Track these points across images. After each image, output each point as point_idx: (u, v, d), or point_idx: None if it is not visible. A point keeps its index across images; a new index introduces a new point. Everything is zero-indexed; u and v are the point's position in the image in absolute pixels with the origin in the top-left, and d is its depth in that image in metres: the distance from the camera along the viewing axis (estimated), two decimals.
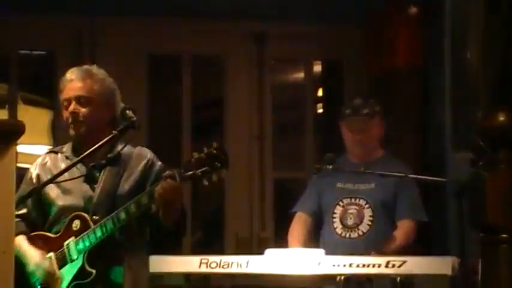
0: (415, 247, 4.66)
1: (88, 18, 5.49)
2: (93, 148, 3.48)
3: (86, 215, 3.55)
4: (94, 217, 3.54)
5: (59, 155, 3.75)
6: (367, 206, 4.56)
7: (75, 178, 3.55)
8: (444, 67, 5.29)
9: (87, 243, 3.51)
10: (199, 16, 5.52)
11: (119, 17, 5.50)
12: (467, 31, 5.11)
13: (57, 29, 5.51)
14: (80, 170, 3.60)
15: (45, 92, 5.97)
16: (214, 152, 3.39)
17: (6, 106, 5.57)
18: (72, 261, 3.54)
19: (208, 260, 4.01)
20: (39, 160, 3.78)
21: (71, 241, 3.56)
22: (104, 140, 3.49)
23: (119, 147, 3.66)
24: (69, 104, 3.65)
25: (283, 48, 5.78)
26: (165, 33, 5.60)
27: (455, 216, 3.95)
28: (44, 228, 3.67)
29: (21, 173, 3.64)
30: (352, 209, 4.57)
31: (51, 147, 5.86)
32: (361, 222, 4.54)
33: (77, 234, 3.55)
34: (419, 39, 5.48)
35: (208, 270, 4.01)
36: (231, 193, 5.64)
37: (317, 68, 6.17)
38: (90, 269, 3.50)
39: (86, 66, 3.73)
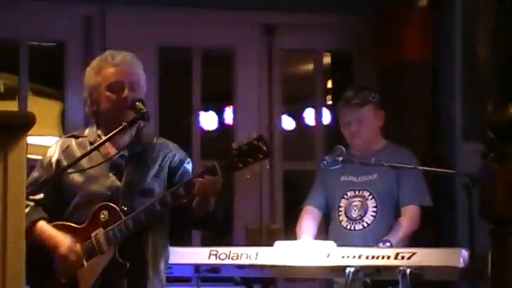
0: (425, 230, 4.66)
1: (98, 10, 5.49)
2: (107, 137, 3.45)
3: (115, 206, 3.47)
4: (124, 208, 3.47)
5: (80, 139, 3.65)
6: (370, 197, 4.55)
7: (100, 163, 3.47)
8: (454, 59, 5.28)
9: (119, 235, 3.42)
10: (209, 7, 5.52)
11: (129, 8, 5.50)
12: (477, 24, 5.10)
13: (67, 20, 5.51)
14: (105, 157, 3.53)
15: (55, 83, 5.98)
16: (256, 142, 3.33)
17: (17, 97, 5.58)
18: (102, 253, 3.45)
19: (217, 251, 4.03)
20: (58, 145, 3.67)
21: (99, 232, 3.46)
22: (115, 130, 3.47)
23: (144, 137, 3.61)
24: (119, 87, 3.55)
25: (293, 39, 5.77)
26: (175, 24, 5.59)
27: (465, 208, 3.94)
28: (61, 216, 3.57)
29: (32, 164, 3.61)
30: (356, 201, 4.57)
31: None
32: (365, 213, 4.54)
33: (105, 225, 3.45)
34: (429, 31, 5.47)
35: (218, 261, 4.02)
36: (240, 184, 5.64)
37: (326, 59, 6.17)
38: (122, 261, 3.43)
39: (126, 52, 3.65)
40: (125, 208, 3.46)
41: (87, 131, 3.69)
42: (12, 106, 5.74)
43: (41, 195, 3.57)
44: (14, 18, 5.35)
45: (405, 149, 4.67)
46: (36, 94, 6.16)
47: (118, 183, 3.53)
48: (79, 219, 3.53)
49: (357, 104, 4.56)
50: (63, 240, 3.48)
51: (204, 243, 5.32)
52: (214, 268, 4.02)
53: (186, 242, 5.40)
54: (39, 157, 3.76)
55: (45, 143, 5.29)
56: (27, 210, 3.43)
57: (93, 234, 3.47)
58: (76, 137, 3.68)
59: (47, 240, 3.50)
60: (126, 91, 3.53)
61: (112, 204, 3.48)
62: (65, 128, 5.49)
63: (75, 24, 5.52)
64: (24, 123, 2.15)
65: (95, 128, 3.66)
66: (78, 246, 3.46)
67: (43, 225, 3.52)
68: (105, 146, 3.54)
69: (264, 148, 3.31)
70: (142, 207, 3.41)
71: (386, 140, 4.72)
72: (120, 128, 3.46)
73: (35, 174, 3.62)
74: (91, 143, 3.59)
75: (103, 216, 3.48)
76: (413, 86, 5.49)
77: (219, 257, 4.02)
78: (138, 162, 3.58)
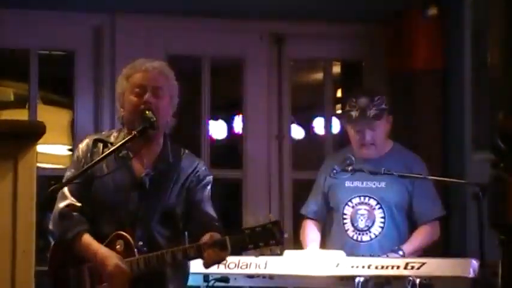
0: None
1: (108, 19, 5.51)
2: (117, 145, 3.44)
3: (130, 240, 3.46)
4: (139, 243, 3.47)
5: (109, 146, 3.59)
6: (378, 206, 4.47)
7: (115, 168, 3.47)
8: (464, 68, 5.27)
9: (129, 270, 3.43)
10: (218, 16, 5.53)
11: (139, 18, 5.51)
12: (487, 33, 5.09)
13: (77, 29, 5.53)
14: (131, 173, 3.52)
15: (65, 92, 5.99)
16: (270, 226, 3.32)
17: (27, 106, 5.60)
18: None
19: (226, 260, 4.02)
20: (86, 147, 3.62)
21: None
22: (124, 140, 3.46)
23: (172, 153, 3.59)
24: (142, 91, 3.53)
25: (303, 48, 5.77)
26: (185, 33, 5.60)
27: (475, 217, 3.92)
28: (90, 218, 3.54)
29: (42, 174, 3.60)
30: (363, 210, 4.49)
31: (70, 147, 5.89)
32: (373, 224, 4.47)
33: (119, 254, 3.45)
34: (439, 40, 5.46)
35: (227, 271, 4.02)
36: (249, 193, 5.63)
37: (336, 68, 6.16)
38: None
39: (158, 61, 3.66)
40: (140, 243, 3.47)
41: (112, 136, 3.65)
42: (22, 114, 5.75)
43: (79, 204, 3.54)
44: (25, 27, 5.37)
45: (412, 153, 4.62)
46: (46, 103, 6.17)
47: (138, 203, 3.52)
48: (99, 231, 3.52)
49: (374, 116, 4.43)
50: (111, 258, 3.45)
51: None
52: (224, 277, 4.01)
53: None
54: (49, 165, 3.75)
55: (55, 152, 5.30)
56: (74, 217, 3.47)
57: None
58: (103, 142, 3.64)
59: (93, 255, 3.47)
60: (147, 95, 3.52)
61: (128, 237, 3.46)
62: (75, 136, 5.50)
63: (85, 33, 5.54)
64: (34, 132, 2.15)
65: (122, 134, 3.62)
66: (125, 266, 3.44)
67: (88, 239, 3.50)
68: (132, 161, 3.53)
69: (278, 235, 3.31)
70: (154, 254, 3.42)
71: (393, 141, 4.65)
72: (130, 137, 3.46)
73: (69, 174, 3.57)
74: (114, 151, 3.53)
75: (119, 245, 3.48)
76: (423, 95, 5.47)
77: (228, 266, 4.02)
78: (161, 182, 3.56)
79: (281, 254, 4.04)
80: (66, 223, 3.48)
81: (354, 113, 4.47)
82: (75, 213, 3.51)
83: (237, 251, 3.44)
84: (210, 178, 3.68)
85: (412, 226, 4.50)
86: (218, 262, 3.45)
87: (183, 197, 3.57)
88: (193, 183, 3.60)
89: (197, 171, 3.63)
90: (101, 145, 3.63)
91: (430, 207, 4.50)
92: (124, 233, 3.47)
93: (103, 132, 3.74)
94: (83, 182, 3.52)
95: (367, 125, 4.45)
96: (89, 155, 3.59)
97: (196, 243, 3.41)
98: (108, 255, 3.44)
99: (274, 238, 3.31)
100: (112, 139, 3.63)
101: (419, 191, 4.47)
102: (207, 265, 3.44)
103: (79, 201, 3.53)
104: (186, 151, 3.69)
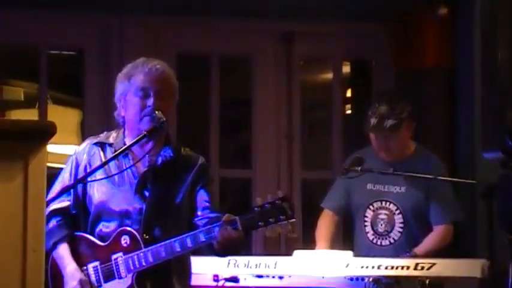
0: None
1: (117, 19, 5.52)
2: (127, 146, 3.42)
3: (136, 234, 3.42)
4: (145, 236, 3.43)
5: (107, 148, 3.58)
6: (397, 211, 4.49)
7: (121, 171, 3.44)
8: (474, 66, 5.26)
9: (138, 265, 3.39)
10: (227, 15, 5.53)
11: (147, 17, 5.52)
12: (497, 31, 5.08)
13: (86, 29, 5.54)
14: (132, 170, 3.49)
15: (75, 91, 6.00)
16: (280, 202, 3.24)
17: (37, 106, 5.61)
18: (120, 278, 3.42)
19: (236, 260, 4.02)
20: (84, 151, 3.60)
21: (119, 257, 3.42)
22: (134, 140, 3.43)
23: (171, 152, 3.55)
24: (146, 94, 3.49)
25: (312, 48, 5.77)
26: (194, 32, 5.61)
27: (485, 218, 3.91)
28: (86, 223, 3.53)
29: (52, 173, 3.60)
30: (383, 215, 4.51)
31: None
32: (392, 229, 4.48)
33: (125, 250, 3.42)
34: (449, 38, 5.45)
35: (237, 270, 4.02)
36: (258, 193, 5.63)
37: (346, 68, 6.15)
38: None
39: (159, 61, 3.60)
40: (147, 237, 3.43)
41: (111, 137, 3.63)
42: (32, 114, 5.77)
43: (66, 203, 3.55)
44: (34, 27, 5.38)
45: (433, 155, 4.60)
46: (56, 102, 6.18)
47: (141, 201, 3.49)
48: (102, 233, 3.50)
49: (392, 126, 4.38)
50: (69, 263, 3.47)
51: None
52: (233, 278, 4.01)
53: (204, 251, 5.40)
54: (59, 165, 3.75)
55: (65, 152, 5.31)
56: (51, 225, 3.49)
57: (113, 257, 3.44)
58: (102, 144, 3.62)
59: (60, 264, 3.50)
60: (151, 98, 3.49)
61: (134, 232, 3.43)
62: (84, 136, 5.50)
63: (94, 33, 5.55)
64: (45, 132, 2.15)
65: (121, 134, 3.60)
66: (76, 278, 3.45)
67: (62, 250, 3.51)
68: (133, 159, 3.51)
69: (288, 210, 3.23)
70: (162, 243, 3.38)
71: (415, 143, 4.62)
72: (140, 137, 3.44)
73: (61, 178, 3.58)
74: (122, 152, 3.50)
75: (124, 241, 3.44)
76: (433, 93, 5.47)
77: (237, 266, 4.02)
78: (165, 179, 3.53)
79: (292, 235, 3.95)
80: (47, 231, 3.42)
81: (373, 120, 4.42)
82: (57, 219, 3.52)
83: (249, 231, 3.33)
84: (210, 173, 3.66)
85: (430, 231, 4.49)
86: (232, 245, 3.33)
87: (187, 191, 3.55)
88: (195, 177, 3.57)
89: (198, 166, 3.59)
90: (97, 149, 3.60)
91: (446, 210, 4.49)
92: (128, 228, 3.44)
93: (101, 135, 3.71)
94: (78, 187, 3.51)
95: (384, 135, 4.42)
96: (88, 159, 3.57)
97: (206, 226, 3.37)
98: (72, 275, 3.45)
99: (285, 213, 3.23)
100: (111, 140, 3.60)
101: (436, 193, 4.46)
102: (221, 248, 3.34)
103: (69, 202, 3.54)
104: (187, 149, 3.68)
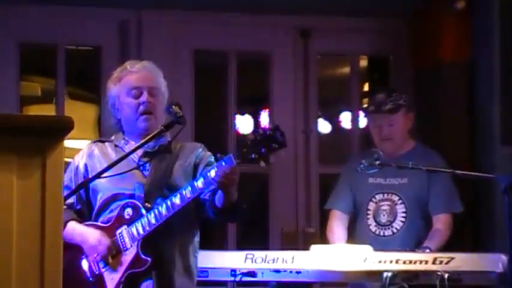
0: (462, 235, 4.62)
1: (134, 14, 5.52)
2: (144, 140, 3.48)
3: (137, 202, 3.51)
4: (146, 204, 3.50)
5: (107, 143, 3.73)
6: (400, 201, 4.53)
7: (127, 172, 3.49)
8: (492, 60, 5.23)
9: (141, 231, 3.46)
10: (245, 11, 5.52)
11: (165, 13, 5.52)
12: None
13: (103, 25, 5.55)
14: (132, 158, 3.57)
15: (92, 87, 6.01)
16: (271, 132, 3.29)
17: (54, 101, 5.63)
18: (126, 249, 3.49)
19: (253, 255, 4.03)
20: (84, 150, 3.75)
21: (123, 229, 3.51)
22: (153, 133, 3.50)
23: (168, 137, 3.64)
24: (139, 93, 3.62)
25: (329, 43, 5.75)
26: (211, 28, 5.60)
27: (504, 212, 3.89)
28: (89, 217, 3.64)
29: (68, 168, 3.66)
30: (385, 205, 4.54)
31: None
32: (395, 219, 4.52)
33: (129, 222, 3.50)
34: (468, 31, 5.42)
35: (254, 265, 4.02)
36: (276, 188, 5.63)
37: (363, 62, 6.14)
38: (145, 257, 3.46)
39: (145, 61, 3.74)
40: (148, 205, 3.50)
41: (113, 136, 3.77)
42: (49, 109, 5.78)
43: (71, 200, 3.63)
44: (52, 22, 5.40)
45: (434, 150, 4.64)
46: (73, 98, 6.19)
47: (142, 180, 3.57)
48: (106, 219, 3.59)
49: (389, 110, 4.53)
50: (91, 233, 3.54)
51: (240, 247, 5.31)
52: (250, 272, 4.02)
53: (222, 245, 5.40)
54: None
55: (82, 147, 5.32)
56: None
57: (117, 232, 3.52)
58: (102, 142, 3.77)
59: (77, 236, 3.55)
60: (145, 96, 3.59)
61: (136, 202, 3.52)
62: (101, 131, 5.52)
63: (112, 28, 5.55)
64: (63, 127, 2.16)
65: (121, 134, 3.73)
66: (106, 238, 3.52)
67: (74, 224, 3.58)
68: (130, 147, 3.58)
69: (279, 137, 3.26)
70: (162, 204, 3.45)
71: (415, 141, 4.68)
72: (157, 131, 3.51)
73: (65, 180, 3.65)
74: (116, 146, 3.68)
75: (127, 213, 3.53)
76: (451, 87, 5.44)
77: (255, 261, 4.02)
78: (164, 160, 3.61)
79: None
80: None
81: (371, 108, 4.64)
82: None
83: (244, 163, 3.34)
84: (211, 156, 3.68)
85: (431, 221, 4.51)
86: (231, 182, 3.36)
87: (189, 172, 3.60)
88: (196, 159, 3.65)
89: (198, 150, 3.68)
90: (99, 144, 3.74)
91: (444, 202, 4.52)
92: (131, 200, 3.52)
93: (102, 138, 3.86)
94: (86, 181, 3.57)
95: (383, 118, 4.53)
96: (88, 157, 3.68)
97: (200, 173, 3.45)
98: (89, 232, 3.53)
99: (277, 141, 3.26)
100: (112, 137, 3.75)
101: (435, 184, 4.50)
102: (222, 187, 3.37)
103: (72, 199, 3.62)
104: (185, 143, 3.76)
